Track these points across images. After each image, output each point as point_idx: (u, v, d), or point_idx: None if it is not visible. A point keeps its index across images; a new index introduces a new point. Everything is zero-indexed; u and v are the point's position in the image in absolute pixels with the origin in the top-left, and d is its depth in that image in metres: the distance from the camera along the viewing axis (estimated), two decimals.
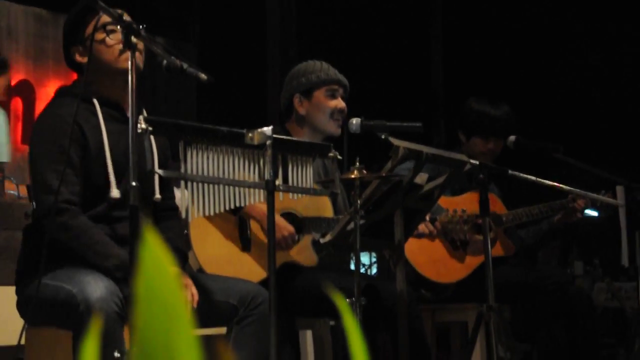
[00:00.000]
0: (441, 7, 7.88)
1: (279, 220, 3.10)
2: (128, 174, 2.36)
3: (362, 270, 2.83)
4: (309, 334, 3.31)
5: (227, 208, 2.41)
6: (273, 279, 2.32)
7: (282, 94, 3.42)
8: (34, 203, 3.01)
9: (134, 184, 2.15)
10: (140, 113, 2.42)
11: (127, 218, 2.42)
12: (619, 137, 6.80)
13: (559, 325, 3.80)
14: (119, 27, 2.51)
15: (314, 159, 2.64)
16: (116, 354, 2.11)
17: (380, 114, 3.04)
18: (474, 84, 6.96)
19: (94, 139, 2.51)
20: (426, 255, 3.61)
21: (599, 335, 4.18)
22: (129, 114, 2.57)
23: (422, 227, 3.37)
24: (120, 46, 2.53)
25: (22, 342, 2.42)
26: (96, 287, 2.28)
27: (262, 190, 2.43)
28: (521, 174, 3.15)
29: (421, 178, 2.85)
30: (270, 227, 2.37)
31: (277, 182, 2.41)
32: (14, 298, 2.57)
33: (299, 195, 2.63)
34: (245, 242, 3.12)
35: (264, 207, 2.51)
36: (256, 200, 2.47)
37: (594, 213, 3.86)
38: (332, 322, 3.29)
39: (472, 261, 3.65)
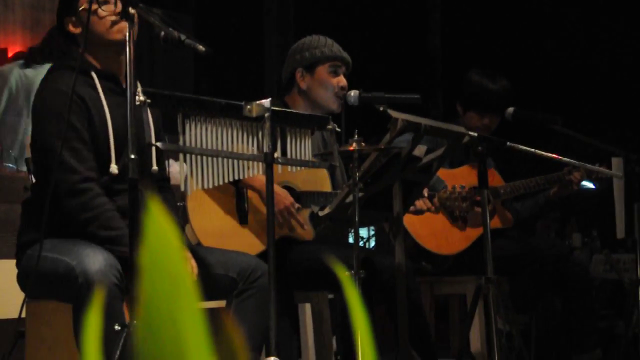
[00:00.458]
0: None
1: (279, 190, 3.10)
2: (127, 147, 2.35)
3: (360, 243, 2.84)
4: (307, 307, 3.32)
5: (226, 181, 2.41)
6: (272, 252, 2.32)
7: (284, 66, 3.41)
8: (32, 177, 3.01)
9: (132, 156, 2.14)
10: (135, 85, 2.42)
11: (125, 191, 2.43)
12: (617, 109, 6.79)
13: (557, 297, 3.82)
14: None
15: (313, 132, 2.64)
16: (117, 327, 2.11)
17: (378, 86, 3.03)
18: (472, 55, 6.93)
19: (96, 113, 2.50)
20: (427, 227, 3.62)
21: (596, 307, 4.20)
22: (124, 86, 2.56)
23: (420, 204, 3.36)
24: (113, 17, 2.51)
25: (23, 315, 2.43)
26: (95, 260, 2.29)
27: (260, 163, 2.43)
28: (519, 146, 3.15)
29: (420, 150, 2.85)
30: (269, 200, 2.37)
31: (275, 155, 2.41)
32: (14, 271, 2.58)
33: (298, 168, 2.63)
34: (242, 215, 3.12)
35: (263, 178, 2.51)
36: (255, 173, 2.47)
37: (591, 185, 3.86)
38: (330, 295, 3.30)
39: (472, 233, 3.66)
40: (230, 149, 2.40)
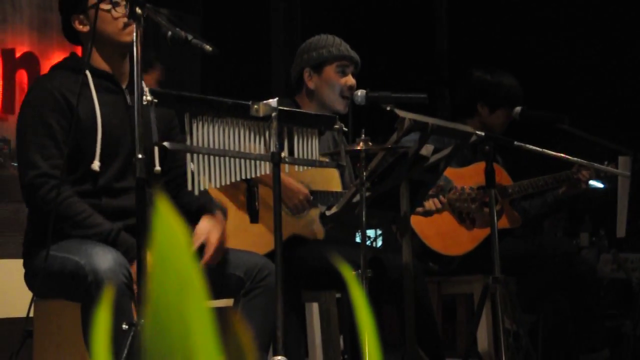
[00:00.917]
0: None
1: (293, 183, 3.09)
2: (125, 148, 2.36)
3: (368, 243, 2.83)
4: (315, 306, 3.32)
5: (233, 180, 2.41)
6: (280, 251, 2.32)
7: (293, 66, 3.40)
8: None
9: (140, 156, 2.15)
10: (140, 85, 2.42)
11: (126, 190, 2.43)
12: (625, 107, 6.78)
13: (565, 296, 3.81)
14: (124, 0, 2.50)
15: (322, 132, 2.64)
16: (124, 326, 2.12)
17: (384, 85, 3.03)
18: (479, 54, 6.92)
19: (85, 111, 2.50)
20: (434, 227, 3.62)
21: (603, 307, 4.20)
22: (124, 86, 2.57)
23: (429, 204, 3.36)
24: (125, 19, 2.52)
25: (31, 314, 2.44)
26: (104, 258, 2.29)
27: (268, 163, 2.43)
28: (527, 145, 3.14)
29: (427, 149, 2.85)
30: (276, 200, 2.38)
31: (282, 155, 2.41)
32: (22, 271, 2.58)
33: (306, 168, 2.63)
34: (253, 214, 3.12)
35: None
36: (262, 173, 2.47)
37: (600, 184, 3.85)
38: (338, 295, 3.30)
39: (479, 233, 3.65)
40: (237, 149, 2.40)
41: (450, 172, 3.60)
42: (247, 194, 3.14)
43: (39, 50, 6.25)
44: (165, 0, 6.53)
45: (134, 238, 2.33)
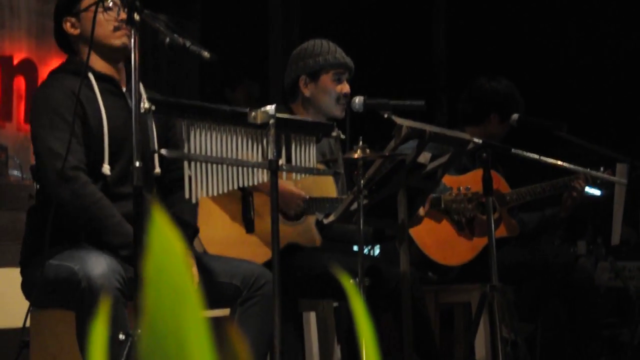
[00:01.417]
0: None
1: (290, 187, 3.08)
2: (127, 152, 2.35)
3: (365, 251, 2.83)
4: (312, 315, 3.31)
5: (231, 188, 2.41)
6: (277, 259, 2.31)
7: (287, 73, 3.39)
8: (36, 184, 3.00)
9: (137, 164, 2.14)
10: (139, 90, 2.41)
11: (126, 196, 2.42)
12: (623, 115, 6.78)
13: (562, 305, 3.80)
14: (117, 6, 2.50)
15: (319, 139, 2.63)
16: (121, 336, 2.11)
17: (382, 92, 3.03)
18: (477, 61, 6.93)
19: (92, 114, 2.49)
20: (433, 236, 3.61)
21: (601, 315, 4.19)
22: (124, 89, 2.57)
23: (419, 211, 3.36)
24: (115, 23, 2.52)
25: (27, 324, 2.43)
26: (97, 264, 2.28)
27: (265, 170, 2.42)
28: (524, 152, 3.14)
29: (424, 157, 2.84)
30: (274, 207, 2.37)
31: (280, 162, 2.41)
32: (18, 280, 2.57)
33: (302, 175, 2.62)
34: (248, 223, 3.11)
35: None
36: (259, 181, 2.46)
37: (597, 192, 3.85)
38: (335, 304, 3.29)
39: (478, 243, 3.64)
40: (235, 156, 2.39)
41: (448, 180, 3.59)
42: (242, 204, 3.13)
43: (37, 57, 6.25)
44: (164, 6, 6.53)
45: None
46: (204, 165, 2.34)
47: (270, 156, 2.38)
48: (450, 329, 4.01)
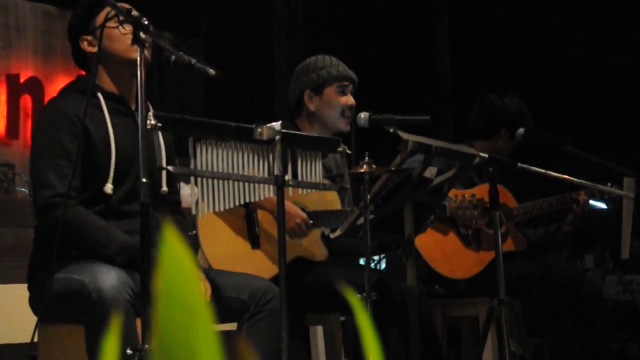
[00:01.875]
0: (448, 0, 7.87)
1: (290, 207, 3.09)
2: (136, 169, 2.36)
3: (372, 265, 2.83)
4: (319, 329, 3.31)
5: (237, 204, 2.41)
6: (283, 274, 2.32)
7: (291, 89, 3.41)
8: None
9: (144, 180, 2.15)
10: (147, 108, 2.42)
11: (134, 214, 2.43)
12: (629, 129, 6.78)
13: (570, 319, 3.79)
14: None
15: (325, 154, 2.64)
16: (129, 351, 2.11)
17: (387, 107, 3.04)
18: (481, 76, 6.94)
19: (98, 133, 2.50)
20: (440, 250, 3.61)
21: (608, 330, 4.17)
22: (134, 107, 2.58)
23: None
24: (132, 37, 2.53)
25: (35, 339, 2.43)
26: (108, 276, 2.29)
27: (271, 186, 2.43)
28: (530, 167, 3.14)
29: (430, 172, 2.85)
30: (280, 222, 2.37)
31: (286, 178, 2.41)
32: (26, 295, 2.58)
33: (308, 190, 2.63)
34: (253, 239, 3.12)
35: (273, 198, 2.51)
36: (266, 196, 2.47)
37: (603, 205, 3.85)
38: (342, 318, 3.29)
39: (485, 256, 3.64)
40: (241, 172, 2.40)
41: (455, 194, 3.59)
42: (247, 220, 3.13)
43: (43, 75, 6.29)
44: (168, 23, 6.57)
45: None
46: (210, 181, 2.35)
47: (276, 172, 2.38)
48: (457, 343, 4.00)
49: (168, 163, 2.56)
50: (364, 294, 2.58)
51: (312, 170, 2.56)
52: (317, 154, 2.58)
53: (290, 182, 2.46)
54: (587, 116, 6.81)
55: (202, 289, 0.56)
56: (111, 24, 2.48)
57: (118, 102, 2.58)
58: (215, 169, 2.35)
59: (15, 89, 6.18)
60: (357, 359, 3.32)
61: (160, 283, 0.56)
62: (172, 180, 2.69)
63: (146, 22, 2.23)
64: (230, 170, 2.38)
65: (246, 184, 2.42)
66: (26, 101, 6.25)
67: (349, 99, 3.31)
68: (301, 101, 3.34)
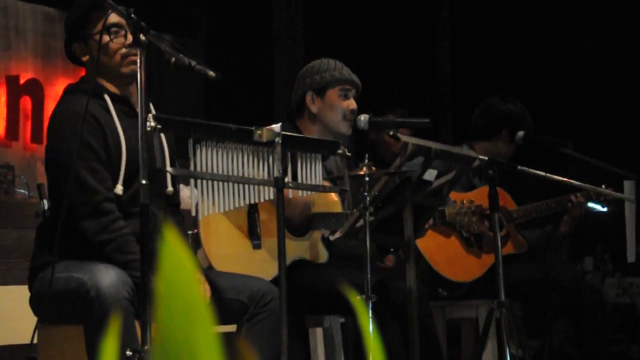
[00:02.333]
0: (448, 1, 7.87)
1: (296, 199, 3.08)
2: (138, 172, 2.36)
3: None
4: (319, 331, 3.31)
5: (237, 206, 2.42)
6: (283, 275, 2.32)
7: (294, 90, 3.42)
8: (43, 202, 3.00)
9: (144, 182, 2.15)
10: (148, 109, 2.43)
11: (137, 214, 2.43)
12: (628, 132, 6.79)
13: (570, 321, 3.79)
14: (123, 29, 2.51)
15: (325, 157, 2.64)
16: (128, 353, 2.11)
17: (387, 110, 3.04)
18: (481, 79, 6.94)
19: (110, 135, 2.51)
20: (443, 253, 3.61)
21: (608, 332, 4.18)
22: (138, 109, 2.58)
23: None
24: (123, 50, 2.53)
25: (35, 340, 2.43)
26: (107, 274, 2.29)
27: (271, 188, 2.43)
28: (530, 170, 3.15)
29: (430, 174, 2.85)
30: (279, 224, 2.38)
31: (286, 180, 2.41)
32: (26, 297, 2.58)
33: (308, 192, 2.63)
34: (255, 240, 3.12)
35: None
36: (266, 198, 2.47)
37: (601, 208, 3.85)
38: (342, 319, 3.29)
39: (487, 259, 3.65)
40: (240, 174, 2.40)
41: (455, 197, 3.60)
42: (248, 220, 3.14)
43: (43, 76, 6.29)
44: (168, 25, 6.57)
45: None
46: (210, 182, 2.35)
47: (276, 174, 2.39)
48: (457, 345, 4.00)
49: (172, 165, 2.57)
50: (364, 296, 2.59)
51: (312, 172, 2.56)
52: (317, 156, 2.58)
53: (290, 184, 2.47)
54: (588, 119, 6.82)
55: (201, 291, 0.56)
56: (103, 37, 2.47)
57: (124, 103, 2.58)
58: (215, 171, 2.35)
59: (15, 90, 6.18)
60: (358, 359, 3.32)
61: (160, 284, 0.56)
62: (173, 181, 2.69)
63: (145, 25, 2.23)
64: (230, 172, 2.38)
65: (246, 185, 2.42)
66: (26, 103, 6.25)
67: (351, 103, 3.32)
68: (303, 102, 3.35)
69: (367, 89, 3.46)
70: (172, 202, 2.73)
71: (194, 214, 2.36)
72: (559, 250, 5.52)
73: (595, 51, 7.00)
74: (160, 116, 2.26)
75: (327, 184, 3.09)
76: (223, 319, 2.60)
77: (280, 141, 2.39)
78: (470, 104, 4.09)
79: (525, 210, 3.78)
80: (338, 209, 3.25)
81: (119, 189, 2.47)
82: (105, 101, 2.54)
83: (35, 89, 6.25)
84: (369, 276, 2.63)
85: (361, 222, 2.68)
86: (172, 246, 0.56)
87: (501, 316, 2.88)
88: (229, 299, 2.57)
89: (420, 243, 3.52)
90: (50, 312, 2.45)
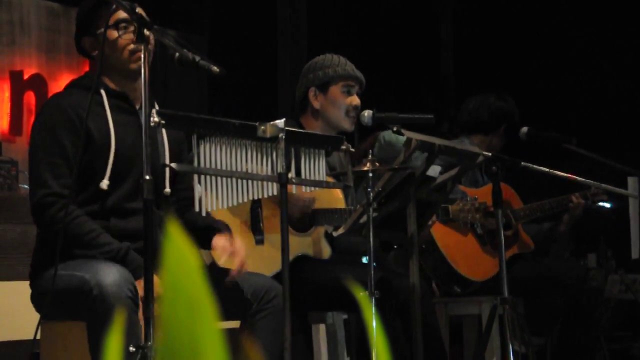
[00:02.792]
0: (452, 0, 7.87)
1: (299, 194, 3.09)
2: (138, 167, 2.36)
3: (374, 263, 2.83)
4: (322, 327, 3.31)
5: (240, 201, 2.42)
6: (286, 272, 2.32)
7: (298, 86, 3.41)
8: None
9: (147, 177, 2.15)
10: (152, 106, 2.42)
11: (137, 211, 2.43)
12: (632, 129, 6.77)
13: (573, 318, 3.79)
14: (132, 25, 2.51)
15: (329, 153, 2.64)
16: (132, 349, 2.11)
17: (390, 105, 3.04)
18: (485, 76, 6.93)
19: (99, 131, 2.50)
20: (460, 250, 3.62)
21: (610, 329, 4.18)
22: (138, 106, 2.58)
23: None
24: (132, 46, 2.53)
25: (38, 336, 2.43)
26: (109, 272, 2.30)
27: (275, 183, 2.43)
28: (534, 166, 3.14)
29: (434, 170, 2.85)
30: (283, 220, 2.37)
31: (289, 175, 2.41)
32: (28, 293, 2.58)
33: (312, 188, 2.63)
34: (258, 235, 3.12)
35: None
36: (269, 194, 2.47)
37: (607, 204, 3.85)
38: (345, 316, 3.29)
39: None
40: (244, 170, 2.40)
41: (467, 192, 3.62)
42: (251, 215, 3.13)
43: (47, 72, 6.28)
44: (172, 21, 6.57)
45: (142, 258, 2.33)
46: (213, 178, 2.35)
47: (279, 169, 2.38)
48: (460, 342, 4.00)
49: (173, 161, 2.56)
50: (367, 292, 2.58)
51: (316, 168, 2.56)
52: (320, 151, 2.58)
53: (294, 180, 2.46)
54: (591, 116, 6.81)
55: (206, 286, 0.56)
56: (111, 32, 2.49)
57: (122, 99, 2.58)
58: (218, 167, 2.35)
59: (18, 85, 6.17)
60: (359, 357, 3.32)
61: (164, 280, 0.56)
62: (182, 178, 2.69)
63: (150, 20, 2.23)
64: (233, 168, 2.38)
65: (249, 181, 2.42)
66: (30, 98, 6.25)
67: (354, 99, 3.31)
68: (306, 98, 3.34)
69: (370, 85, 3.45)
70: (190, 197, 2.72)
71: (197, 209, 2.36)
72: (562, 246, 5.52)
73: (599, 48, 6.99)
74: (164, 111, 2.26)
75: (330, 179, 3.09)
76: (226, 315, 2.60)
77: (283, 137, 2.39)
78: (474, 100, 4.08)
79: (531, 208, 3.79)
80: (341, 204, 3.25)
81: (105, 183, 2.47)
82: (100, 95, 2.54)
83: (39, 84, 6.25)
84: (372, 272, 2.62)
85: (364, 218, 2.68)
86: (175, 242, 0.56)
87: (504, 313, 2.88)
88: (233, 296, 2.57)
89: (440, 240, 3.54)
90: (52, 309, 2.45)
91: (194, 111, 2.67)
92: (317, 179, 2.56)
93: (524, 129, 3.78)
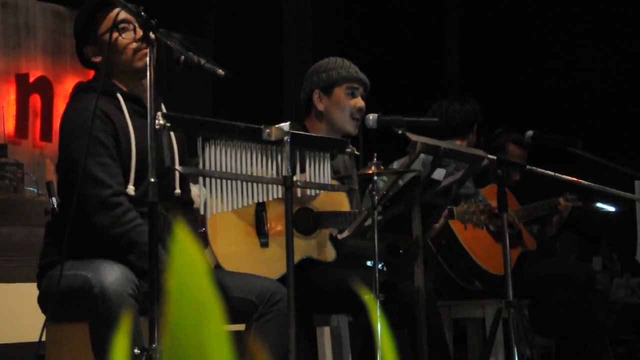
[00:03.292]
0: (457, 0, 7.87)
1: None
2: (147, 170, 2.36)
3: (379, 266, 2.83)
4: (326, 330, 3.31)
5: (245, 204, 2.42)
6: (292, 275, 2.32)
7: (302, 88, 3.41)
8: (52, 200, 3.00)
9: (152, 180, 2.15)
10: (159, 108, 2.43)
11: (145, 214, 2.43)
12: (637, 131, 6.76)
13: (579, 321, 3.79)
14: (131, 24, 2.52)
15: (333, 155, 2.64)
16: (136, 351, 2.11)
17: (394, 108, 3.04)
18: (489, 77, 6.93)
19: (122, 133, 2.51)
20: (481, 245, 3.64)
21: (616, 332, 4.17)
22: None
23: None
24: (134, 45, 2.53)
25: (43, 338, 2.43)
26: (111, 271, 2.29)
27: (279, 186, 2.43)
28: (539, 169, 3.14)
29: (438, 173, 2.85)
30: (288, 223, 2.37)
31: (294, 178, 2.41)
32: (34, 294, 2.58)
33: (316, 191, 2.63)
34: (263, 238, 3.12)
35: None
36: (274, 197, 2.47)
37: (610, 208, 3.85)
38: (349, 319, 3.29)
39: (512, 254, 3.67)
40: (249, 173, 2.40)
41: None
42: (256, 218, 3.14)
43: (53, 74, 6.30)
44: (177, 24, 6.58)
45: None
46: (218, 181, 2.35)
47: (284, 172, 2.39)
48: (463, 344, 4.00)
49: (180, 164, 2.57)
50: (372, 295, 2.58)
51: (321, 171, 2.56)
52: (325, 155, 2.58)
53: (299, 183, 2.46)
54: (597, 119, 6.80)
55: (213, 289, 0.56)
56: (113, 33, 2.48)
57: (136, 102, 2.58)
58: (223, 169, 2.35)
59: (24, 88, 6.19)
60: (366, 358, 3.32)
61: (171, 282, 0.57)
62: (184, 181, 2.69)
63: (154, 22, 2.24)
64: (238, 171, 2.38)
65: (254, 184, 2.42)
66: (35, 101, 6.27)
67: (358, 102, 3.31)
68: (311, 101, 3.34)
69: (375, 88, 3.45)
70: (185, 201, 2.73)
71: (202, 212, 2.36)
72: (569, 251, 5.52)
73: (604, 51, 6.98)
74: (169, 114, 2.26)
75: (335, 183, 3.09)
76: (231, 318, 2.60)
77: (289, 140, 2.39)
78: (479, 103, 4.09)
79: (527, 210, 3.82)
80: (346, 207, 3.25)
81: (131, 189, 2.47)
82: (118, 100, 2.54)
83: (44, 87, 6.27)
84: (377, 275, 2.62)
85: (369, 221, 2.68)
86: (183, 244, 0.57)
87: (509, 316, 2.88)
88: (238, 298, 2.58)
89: (460, 234, 3.56)
90: (58, 310, 2.45)
91: (198, 114, 2.68)
92: (322, 182, 2.56)
93: (529, 133, 3.77)
